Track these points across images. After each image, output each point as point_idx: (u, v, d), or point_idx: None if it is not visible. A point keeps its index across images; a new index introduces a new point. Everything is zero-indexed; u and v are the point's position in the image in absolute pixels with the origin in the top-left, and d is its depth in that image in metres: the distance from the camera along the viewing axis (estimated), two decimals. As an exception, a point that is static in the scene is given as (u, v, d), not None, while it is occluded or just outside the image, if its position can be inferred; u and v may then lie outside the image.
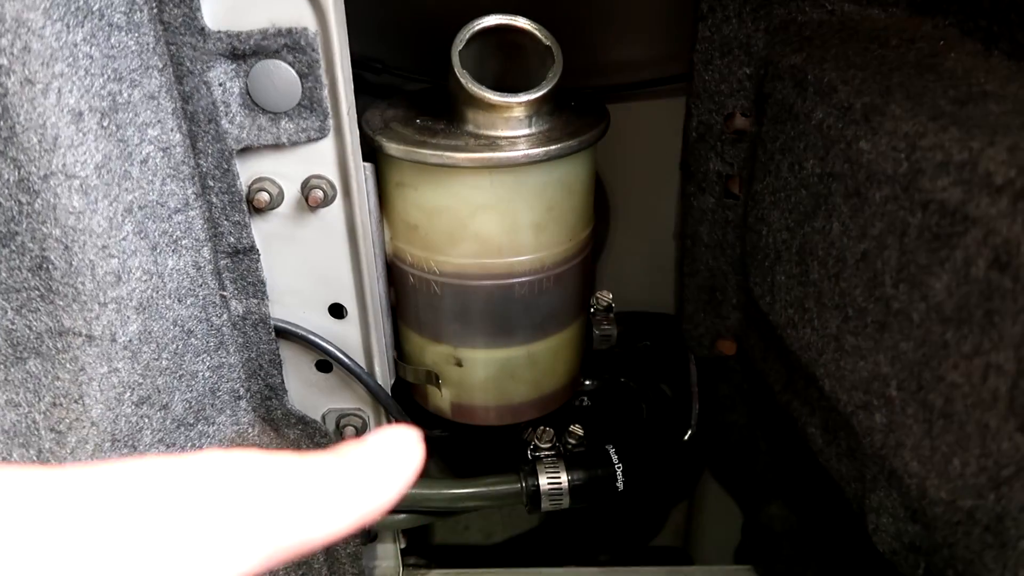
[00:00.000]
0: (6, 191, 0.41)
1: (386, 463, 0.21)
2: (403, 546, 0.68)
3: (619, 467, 0.61)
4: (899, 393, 0.37)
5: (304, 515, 0.19)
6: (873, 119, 0.39)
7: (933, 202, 0.34)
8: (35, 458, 0.45)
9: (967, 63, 0.39)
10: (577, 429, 0.66)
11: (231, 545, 0.18)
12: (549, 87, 0.51)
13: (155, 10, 0.44)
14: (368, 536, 0.64)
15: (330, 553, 0.61)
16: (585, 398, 0.72)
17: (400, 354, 0.63)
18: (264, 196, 0.50)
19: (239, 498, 0.18)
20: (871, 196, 0.38)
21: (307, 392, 0.59)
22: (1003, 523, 0.30)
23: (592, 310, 0.69)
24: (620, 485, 0.60)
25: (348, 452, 0.21)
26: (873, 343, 0.39)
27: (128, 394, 0.47)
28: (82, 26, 0.40)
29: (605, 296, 0.69)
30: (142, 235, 0.46)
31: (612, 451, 0.62)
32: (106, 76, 0.42)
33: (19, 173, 0.40)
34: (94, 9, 0.41)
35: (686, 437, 0.69)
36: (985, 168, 0.31)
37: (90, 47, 0.41)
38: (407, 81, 0.68)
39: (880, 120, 0.38)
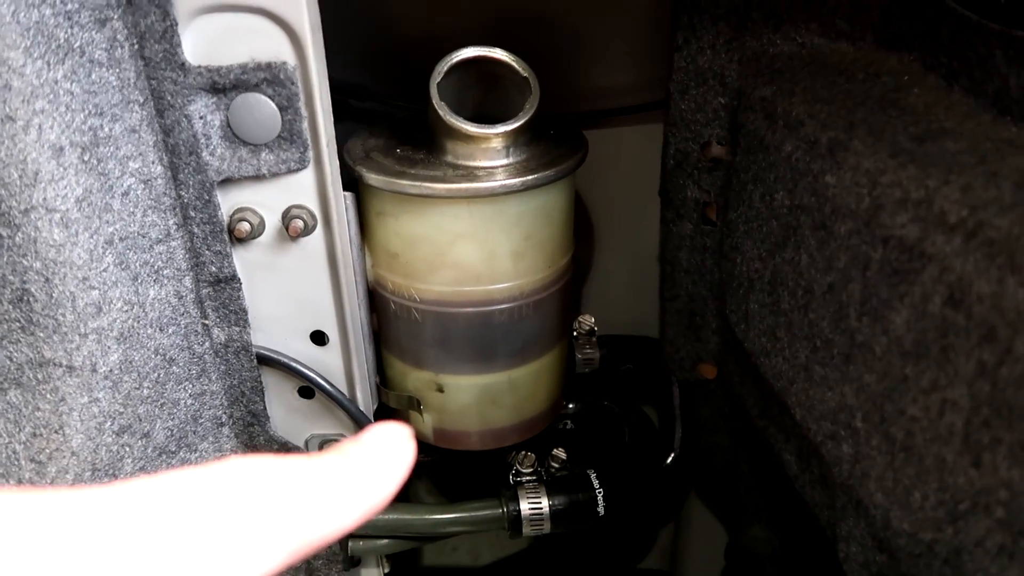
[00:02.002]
0: (-14, 225, 0.41)
1: (384, 458, 0.22)
2: (387, 570, 0.68)
3: (600, 492, 0.61)
4: (864, 425, 0.37)
5: (320, 512, 0.20)
6: (838, 154, 0.39)
7: (893, 238, 0.35)
8: (15, 489, 0.46)
9: (929, 98, 0.40)
10: (560, 453, 0.66)
11: (256, 544, 0.19)
12: (526, 118, 0.52)
13: (136, 46, 0.45)
14: (352, 561, 0.64)
15: (313, 578, 0.62)
16: (568, 421, 0.73)
17: (382, 380, 0.63)
18: (245, 226, 0.51)
19: (259, 500, 0.20)
20: (836, 230, 0.39)
21: (290, 418, 0.60)
22: (960, 557, 0.31)
23: (575, 334, 0.70)
24: (601, 510, 0.61)
25: (349, 450, 0.22)
26: (839, 374, 0.39)
27: (109, 423, 0.48)
28: (63, 63, 0.41)
29: (587, 320, 0.70)
30: (123, 266, 0.46)
31: (593, 475, 0.62)
32: (87, 111, 0.43)
33: (0, 207, 0.41)
34: (75, 46, 0.41)
35: (669, 460, 0.69)
36: (940, 206, 0.32)
37: (71, 83, 0.41)
38: (391, 107, 0.69)
39: (844, 155, 0.39)
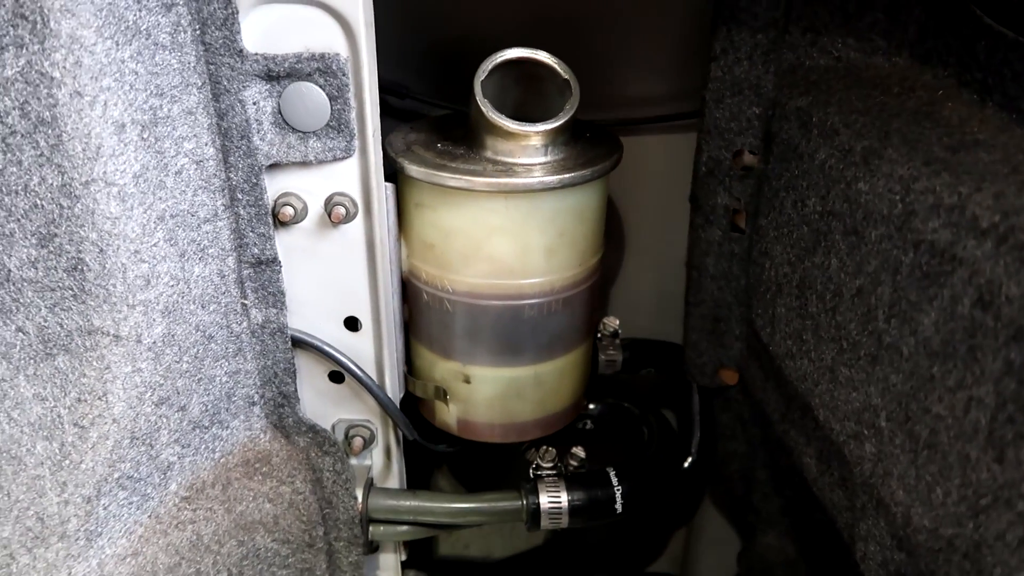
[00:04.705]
0: (49, 195, 0.43)
1: None
2: (404, 558, 0.69)
3: (618, 489, 0.62)
4: (888, 424, 0.38)
5: None
6: (871, 162, 0.41)
7: (924, 242, 0.36)
8: (57, 451, 0.47)
9: (963, 112, 0.41)
10: (579, 451, 0.67)
11: None
12: (566, 118, 0.53)
13: (198, 32, 0.47)
14: (371, 546, 0.65)
15: (332, 561, 0.63)
16: (588, 421, 0.74)
17: (410, 368, 0.65)
18: (289, 210, 0.53)
19: None
20: (868, 235, 0.40)
21: (319, 401, 0.61)
22: (980, 551, 0.32)
23: (599, 335, 0.71)
24: (619, 507, 0.62)
25: None
26: (865, 375, 0.40)
27: (149, 394, 0.49)
28: (130, 44, 0.43)
29: (612, 322, 0.71)
30: (172, 242, 0.48)
31: (613, 473, 0.63)
32: (149, 91, 0.45)
33: (62, 178, 0.43)
34: (142, 29, 0.43)
35: (686, 464, 0.70)
36: (972, 212, 0.33)
37: (136, 64, 0.43)
38: (429, 107, 0.70)
39: (878, 163, 0.40)
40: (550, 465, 0.64)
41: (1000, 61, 0.40)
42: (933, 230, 0.35)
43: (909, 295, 0.37)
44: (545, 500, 0.61)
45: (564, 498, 0.61)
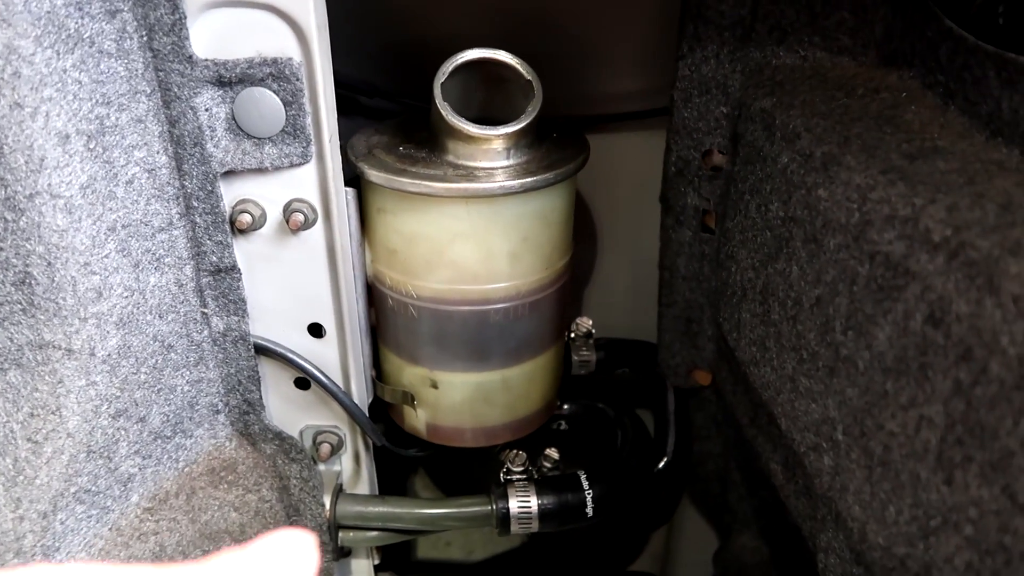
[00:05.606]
0: (-8, 209, 0.42)
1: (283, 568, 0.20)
2: (377, 562, 0.69)
3: (589, 493, 0.61)
4: (845, 438, 0.38)
5: None
6: (831, 168, 0.40)
7: (879, 254, 0.35)
8: (11, 467, 0.47)
9: (925, 117, 0.41)
10: (553, 452, 0.67)
11: None
12: (527, 121, 0.52)
13: (145, 38, 0.46)
14: (342, 552, 0.64)
15: (302, 567, 0.62)
16: (562, 422, 0.73)
17: (378, 374, 0.64)
18: (247, 218, 0.52)
19: None
20: (826, 243, 0.39)
21: (285, 408, 0.61)
22: (930, 572, 0.31)
23: (572, 335, 0.71)
24: (590, 511, 0.61)
25: (248, 554, 0.20)
26: (823, 387, 0.40)
27: (105, 407, 0.49)
28: (72, 53, 0.42)
29: (585, 322, 0.71)
30: (125, 253, 0.47)
31: (583, 477, 0.62)
32: (94, 100, 0.43)
33: (5, 192, 0.42)
34: (84, 37, 0.42)
35: (661, 465, 0.70)
36: (925, 225, 0.32)
37: (79, 73, 0.42)
38: (400, 104, 0.69)
39: (837, 170, 0.39)
40: (520, 469, 0.63)
41: (961, 65, 0.39)
42: (888, 242, 0.34)
43: (865, 307, 0.36)
44: (514, 505, 0.60)
45: (534, 503, 0.61)
